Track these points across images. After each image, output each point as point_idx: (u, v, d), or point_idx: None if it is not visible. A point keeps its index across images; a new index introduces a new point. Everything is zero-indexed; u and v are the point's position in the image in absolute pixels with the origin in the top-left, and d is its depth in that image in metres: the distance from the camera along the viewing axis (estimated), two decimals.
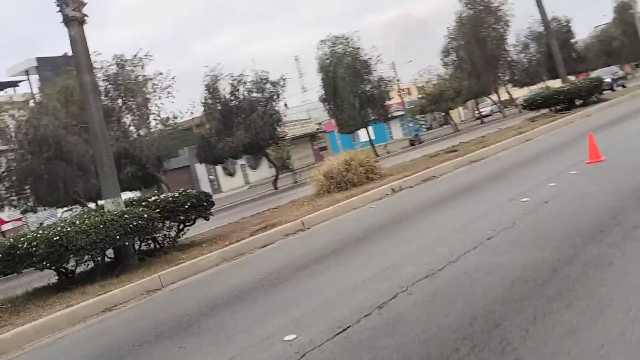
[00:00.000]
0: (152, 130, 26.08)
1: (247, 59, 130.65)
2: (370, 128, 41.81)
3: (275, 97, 29.59)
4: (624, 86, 45.78)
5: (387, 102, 39.75)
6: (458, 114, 79.04)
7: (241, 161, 49.10)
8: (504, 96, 63.06)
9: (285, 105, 33.32)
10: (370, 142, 40.28)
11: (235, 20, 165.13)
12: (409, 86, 70.41)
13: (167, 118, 26.39)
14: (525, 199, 7.99)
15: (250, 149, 30.71)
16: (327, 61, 38.04)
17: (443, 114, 50.09)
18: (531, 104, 25.23)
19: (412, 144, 38.52)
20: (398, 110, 64.31)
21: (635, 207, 6.24)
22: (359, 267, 6.85)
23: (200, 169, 46.34)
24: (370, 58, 37.91)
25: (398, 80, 69.22)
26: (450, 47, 47.78)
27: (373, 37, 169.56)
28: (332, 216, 11.54)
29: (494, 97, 55.51)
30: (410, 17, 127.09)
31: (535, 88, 68.34)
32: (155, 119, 26.33)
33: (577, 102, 25.14)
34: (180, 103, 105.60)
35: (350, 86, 37.25)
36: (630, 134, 12.67)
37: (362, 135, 70.12)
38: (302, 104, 70.10)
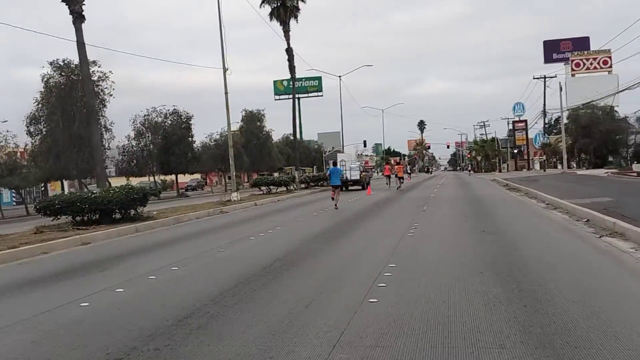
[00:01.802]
0: None
1: None
2: None
3: None
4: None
5: None
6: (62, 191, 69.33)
7: None
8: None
9: None
10: None
11: None
12: None
13: None
14: None
15: None
16: None
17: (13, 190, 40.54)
18: (47, 209, 18.38)
19: None
20: None
21: None
22: None
23: None
24: None
25: None
26: (41, 115, 39.66)
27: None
28: None
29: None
30: None
31: (145, 180, 63.73)
32: None
33: (118, 215, 19.32)
34: None
35: None
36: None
37: None
38: None
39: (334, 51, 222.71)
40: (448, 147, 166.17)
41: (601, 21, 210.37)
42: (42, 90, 37.49)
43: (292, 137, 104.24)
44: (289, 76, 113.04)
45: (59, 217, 18.45)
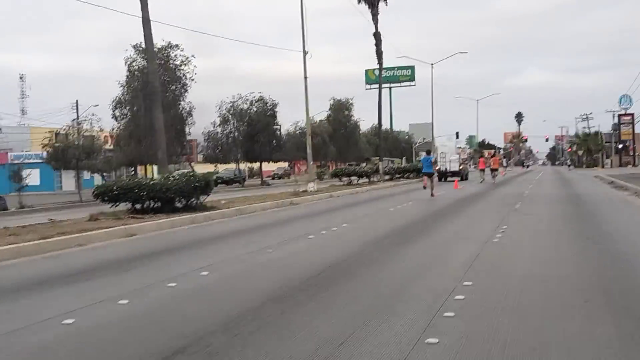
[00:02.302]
0: None
1: None
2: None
3: None
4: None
5: None
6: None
7: None
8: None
9: None
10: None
11: None
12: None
13: None
14: None
15: None
16: None
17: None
18: (105, 195, 17.40)
19: None
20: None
21: None
22: None
23: None
24: None
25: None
26: (125, 99, 39.61)
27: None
28: None
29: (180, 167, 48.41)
30: None
31: (231, 167, 63.46)
32: None
33: (179, 204, 18.13)
34: None
35: None
36: None
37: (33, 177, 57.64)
38: None
39: (430, 40, 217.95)
40: (547, 140, 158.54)
41: None
42: (127, 74, 37.39)
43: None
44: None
45: (117, 204, 17.47)
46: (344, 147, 72.43)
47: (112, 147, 41.50)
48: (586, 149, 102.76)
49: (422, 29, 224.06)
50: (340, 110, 73.61)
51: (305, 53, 29.03)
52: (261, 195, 26.33)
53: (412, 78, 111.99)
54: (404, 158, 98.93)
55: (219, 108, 54.68)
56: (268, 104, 56.36)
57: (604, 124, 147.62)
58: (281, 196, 24.19)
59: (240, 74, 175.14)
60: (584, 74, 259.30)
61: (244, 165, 74.43)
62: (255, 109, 55.79)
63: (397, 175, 47.50)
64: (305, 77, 29.59)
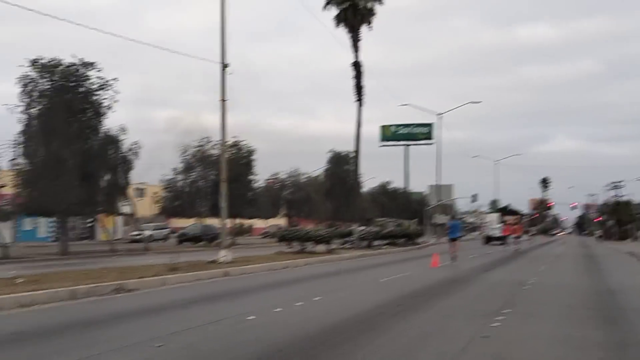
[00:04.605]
0: None
1: None
2: None
3: None
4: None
5: None
6: (113, 229, 60.17)
7: None
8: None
9: None
10: None
11: None
12: None
13: None
14: None
15: None
16: None
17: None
18: None
19: None
20: None
21: None
22: None
23: None
24: None
25: None
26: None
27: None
28: None
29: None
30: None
31: (194, 221, 54.92)
32: None
33: None
34: None
35: None
36: None
37: None
38: None
39: (454, 105, 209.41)
40: (573, 208, 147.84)
41: None
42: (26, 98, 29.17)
43: (388, 186, 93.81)
44: (397, 122, 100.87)
45: None
46: (342, 205, 64.29)
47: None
48: (617, 220, 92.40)
49: (444, 94, 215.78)
50: (340, 164, 65.92)
51: (224, 66, 20.81)
52: (128, 267, 17.53)
53: (429, 136, 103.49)
54: (415, 220, 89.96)
55: (184, 153, 46.76)
56: (243, 151, 48.26)
57: (636, 193, 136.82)
58: (135, 272, 15.40)
59: (267, 129, 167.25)
60: (613, 142, 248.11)
61: (229, 221, 65.95)
62: (227, 156, 47.55)
63: (382, 242, 38.39)
64: (223, 100, 21.32)
